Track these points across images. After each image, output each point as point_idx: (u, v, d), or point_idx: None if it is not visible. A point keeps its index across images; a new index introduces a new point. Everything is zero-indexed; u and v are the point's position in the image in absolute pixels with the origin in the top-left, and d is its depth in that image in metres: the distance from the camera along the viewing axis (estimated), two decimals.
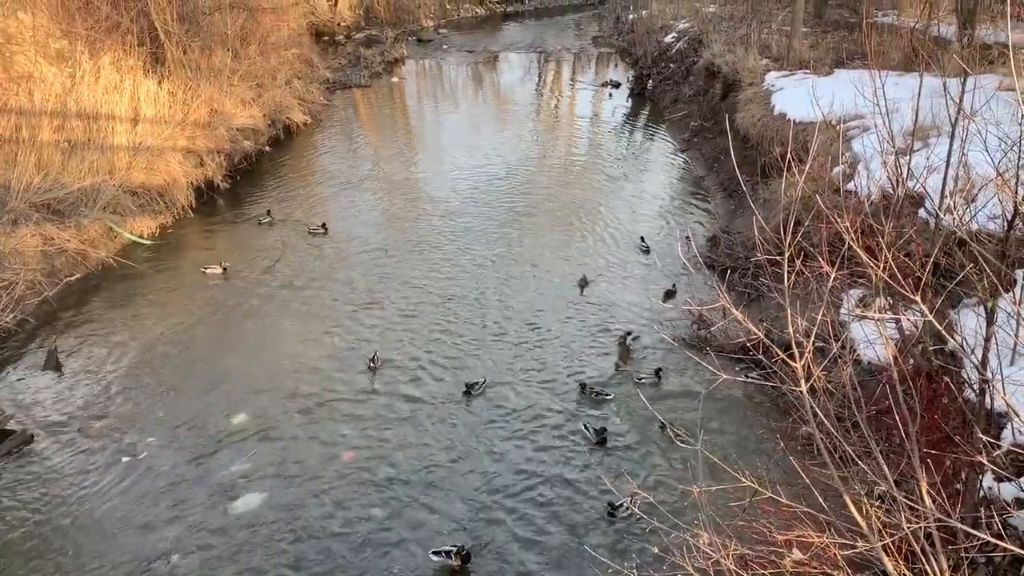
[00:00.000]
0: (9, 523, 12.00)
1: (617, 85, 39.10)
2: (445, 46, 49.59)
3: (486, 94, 40.74)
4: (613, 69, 43.04)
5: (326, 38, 47.31)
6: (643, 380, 15.31)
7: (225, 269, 19.82)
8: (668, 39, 40.04)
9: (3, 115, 21.76)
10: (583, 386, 15.02)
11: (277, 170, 27.92)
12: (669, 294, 18.60)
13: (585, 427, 13.75)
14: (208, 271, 19.78)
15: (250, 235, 22.37)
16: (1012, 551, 5.71)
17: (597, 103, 37.16)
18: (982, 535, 5.48)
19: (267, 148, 29.28)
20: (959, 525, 5.51)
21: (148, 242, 21.59)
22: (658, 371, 15.36)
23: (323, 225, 22.34)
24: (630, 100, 36.94)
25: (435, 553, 11.13)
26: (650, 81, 37.62)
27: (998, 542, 5.45)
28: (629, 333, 16.50)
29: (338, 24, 49.92)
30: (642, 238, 21.28)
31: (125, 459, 13.34)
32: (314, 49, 41.15)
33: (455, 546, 11.15)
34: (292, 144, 30.94)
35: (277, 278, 19.68)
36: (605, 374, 15.56)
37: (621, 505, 11.93)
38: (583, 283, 18.92)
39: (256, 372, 15.77)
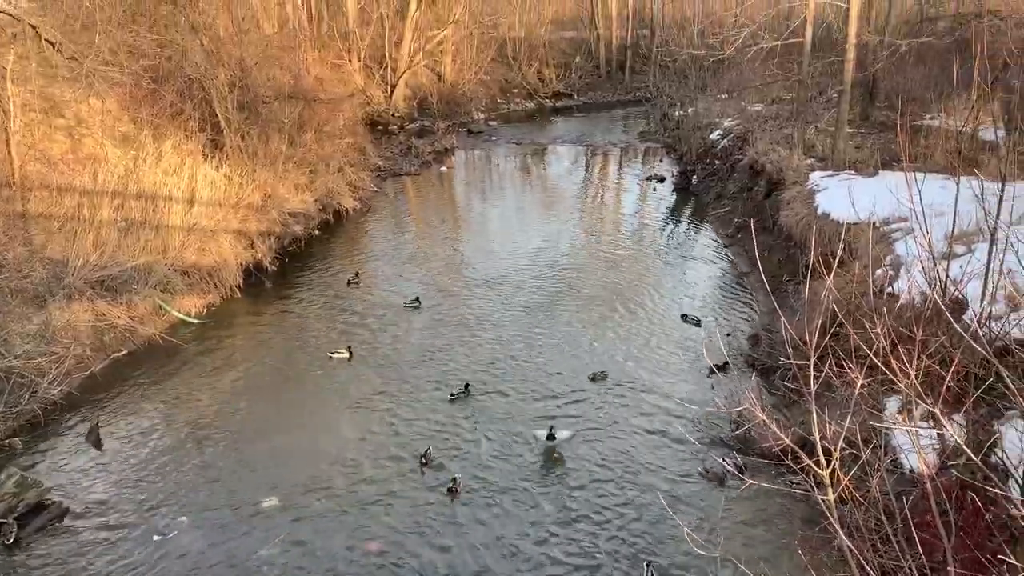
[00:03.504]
0: None
1: (662, 179, 39.53)
2: (494, 137, 50.88)
3: (533, 184, 41.49)
4: (658, 164, 43.57)
5: (380, 127, 48.89)
6: (726, 464, 14.82)
7: (351, 355, 19.94)
8: (714, 136, 40.62)
9: (68, 194, 22.74)
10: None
11: (324, 253, 28.57)
12: (720, 368, 18.62)
13: None
14: (334, 356, 19.90)
15: (295, 317, 22.78)
16: None
17: (642, 196, 37.56)
18: None
19: (316, 232, 30.04)
20: None
21: (195, 321, 22.08)
22: (741, 469, 14.30)
23: (416, 299, 23.09)
24: (675, 194, 37.23)
25: None
26: (695, 176, 37.99)
27: None
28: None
29: (392, 115, 51.64)
30: (696, 318, 21.88)
31: (156, 538, 13.39)
32: (368, 138, 42.51)
33: None
34: (341, 228, 31.72)
35: (326, 360, 19.92)
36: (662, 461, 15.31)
37: None
38: (596, 377, 18.76)
39: (293, 456, 15.82)
